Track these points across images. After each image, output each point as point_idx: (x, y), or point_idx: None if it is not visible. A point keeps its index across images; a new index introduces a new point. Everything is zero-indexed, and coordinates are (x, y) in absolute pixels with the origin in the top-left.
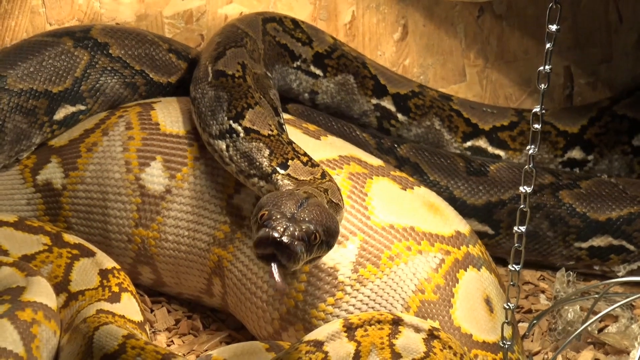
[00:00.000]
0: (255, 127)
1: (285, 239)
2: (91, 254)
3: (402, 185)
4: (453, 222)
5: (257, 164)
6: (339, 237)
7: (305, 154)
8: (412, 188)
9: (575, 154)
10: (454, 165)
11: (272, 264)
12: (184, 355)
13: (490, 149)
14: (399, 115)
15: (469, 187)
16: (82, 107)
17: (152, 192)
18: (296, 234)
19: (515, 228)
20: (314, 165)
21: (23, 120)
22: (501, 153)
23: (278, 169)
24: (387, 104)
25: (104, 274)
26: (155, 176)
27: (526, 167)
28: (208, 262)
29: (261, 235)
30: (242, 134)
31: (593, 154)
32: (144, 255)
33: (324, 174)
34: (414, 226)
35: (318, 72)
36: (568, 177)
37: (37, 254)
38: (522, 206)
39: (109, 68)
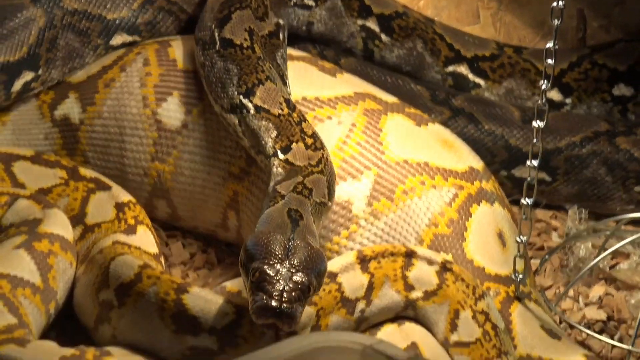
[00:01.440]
0: (265, 106)
1: (284, 307)
2: (107, 188)
3: (416, 122)
4: (467, 158)
5: (263, 143)
6: (354, 172)
7: (312, 135)
8: (427, 124)
9: (553, 95)
10: (509, 114)
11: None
12: None
13: (471, 77)
14: (383, 36)
15: (525, 135)
16: (139, 39)
17: (168, 127)
18: (293, 295)
19: (528, 162)
20: (317, 148)
21: (75, 39)
22: (481, 82)
23: (279, 152)
24: (372, 24)
25: (120, 207)
26: (171, 111)
27: (539, 102)
28: (223, 196)
29: (259, 305)
30: (252, 111)
31: (571, 97)
32: (160, 189)
33: (320, 161)
34: (428, 161)
35: (311, 2)
36: (624, 125)
37: (53, 187)
38: (534, 141)
39: (166, 8)
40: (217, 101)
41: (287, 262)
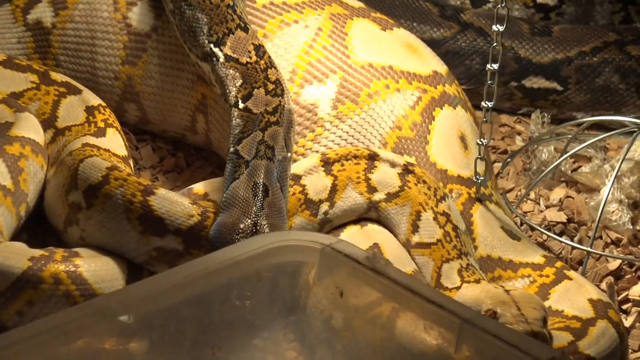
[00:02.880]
0: (235, 55)
1: None
2: (78, 92)
3: (381, 26)
4: (431, 62)
5: (227, 92)
6: (320, 75)
7: (275, 81)
8: (392, 29)
9: None
10: (518, 27)
11: None
12: None
13: None
14: None
15: (534, 46)
16: None
17: (138, 31)
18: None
19: (488, 66)
20: (276, 94)
21: None
22: None
23: (239, 102)
24: None
25: (90, 110)
26: (142, 15)
27: (498, 6)
28: (192, 99)
29: None
30: (221, 59)
31: None
32: (130, 93)
33: (276, 108)
34: (393, 65)
35: None
36: (632, 34)
37: (25, 91)
38: (494, 44)
39: None
40: (192, 50)
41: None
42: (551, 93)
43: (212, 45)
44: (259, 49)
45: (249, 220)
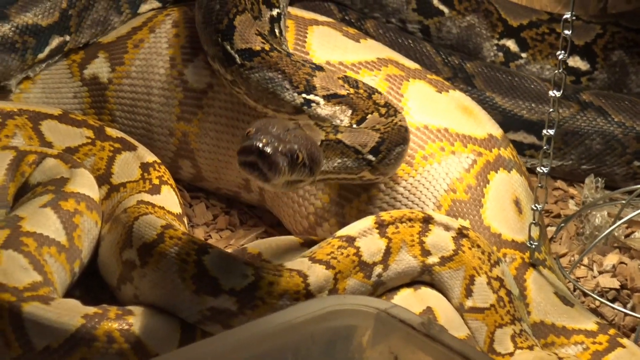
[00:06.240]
0: (331, 92)
1: (268, 149)
2: (133, 148)
3: (437, 88)
4: (486, 125)
5: (339, 121)
6: None
7: (385, 104)
8: (448, 91)
9: (510, 44)
10: (638, 107)
11: (253, 173)
12: None
13: (436, 3)
14: None
15: None
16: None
17: (194, 88)
18: (280, 148)
19: (544, 131)
20: (389, 115)
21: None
22: (445, 10)
23: (354, 126)
24: None
25: (145, 167)
26: (197, 72)
27: (556, 72)
28: None
29: (245, 144)
30: (322, 102)
31: (526, 53)
32: (185, 150)
33: (387, 124)
34: (448, 127)
35: None
36: None
37: (80, 146)
38: (550, 110)
39: None
40: (281, 110)
41: (281, 133)
42: None
43: (304, 95)
44: (349, 80)
45: (289, 124)
